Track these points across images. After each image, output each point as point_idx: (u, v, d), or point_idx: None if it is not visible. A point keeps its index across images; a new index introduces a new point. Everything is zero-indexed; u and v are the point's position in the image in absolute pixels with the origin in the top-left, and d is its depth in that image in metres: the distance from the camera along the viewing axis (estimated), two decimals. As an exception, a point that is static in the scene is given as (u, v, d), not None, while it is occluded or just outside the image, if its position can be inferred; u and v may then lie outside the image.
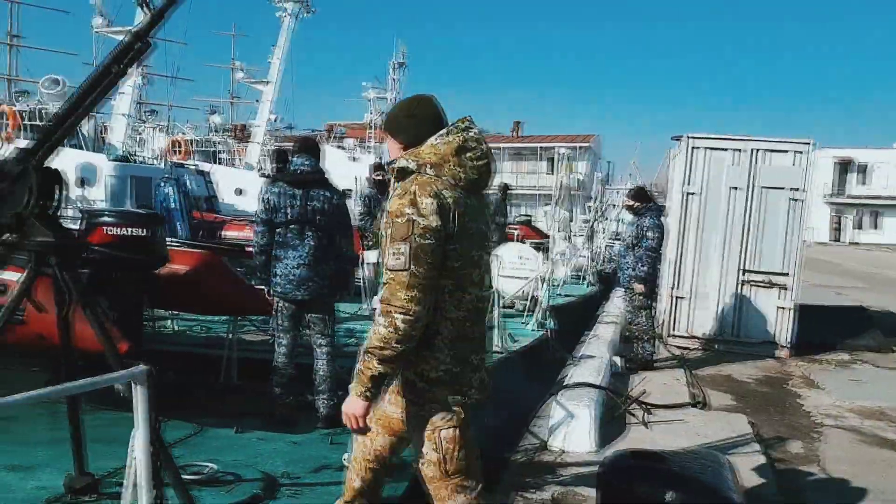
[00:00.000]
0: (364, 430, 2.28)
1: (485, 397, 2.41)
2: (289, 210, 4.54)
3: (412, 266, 2.12)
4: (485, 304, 2.41)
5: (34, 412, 4.34)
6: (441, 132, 2.29)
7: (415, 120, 2.34)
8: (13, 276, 3.66)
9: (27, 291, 2.48)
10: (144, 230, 4.52)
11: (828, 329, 9.10)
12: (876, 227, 49.19)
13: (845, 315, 10.19)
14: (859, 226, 49.67)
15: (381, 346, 2.14)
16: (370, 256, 3.26)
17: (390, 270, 2.15)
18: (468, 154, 2.27)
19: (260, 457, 4.10)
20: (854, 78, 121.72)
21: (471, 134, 2.31)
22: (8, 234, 2.40)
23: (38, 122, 19.65)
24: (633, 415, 5.47)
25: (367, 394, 2.19)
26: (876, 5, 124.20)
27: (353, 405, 2.20)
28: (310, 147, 4.71)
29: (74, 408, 2.73)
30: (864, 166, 49.12)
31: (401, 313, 2.12)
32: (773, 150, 8.12)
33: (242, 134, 36.68)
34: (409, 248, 2.13)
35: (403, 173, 2.30)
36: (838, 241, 47.63)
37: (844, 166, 48.03)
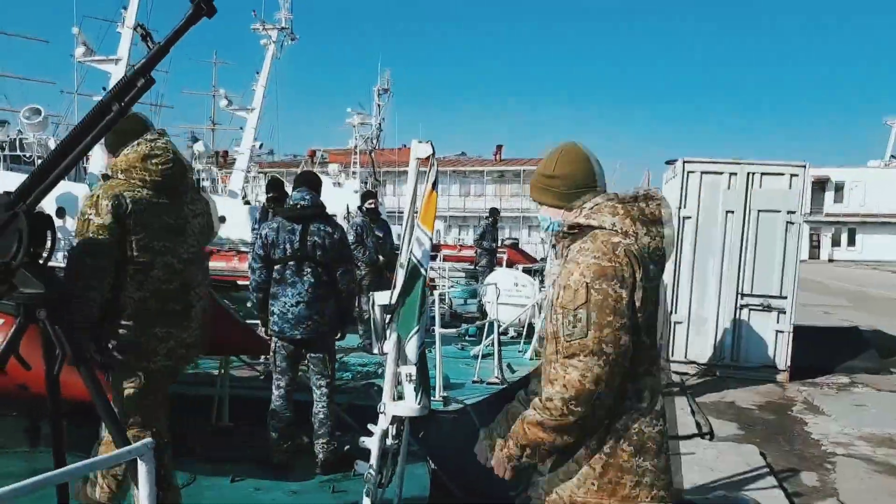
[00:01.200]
0: None
1: (178, 363, 2.93)
2: (287, 246, 4.36)
3: (85, 258, 2.60)
4: (171, 284, 2.82)
5: (11, 464, 4.09)
6: (133, 143, 2.74)
7: (117, 135, 2.71)
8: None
9: (14, 347, 2.27)
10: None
11: (824, 351, 9.02)
12: (852, 244, 49.89)
13: (840, 336, 10.13)
14: (836, 243, 50.34)
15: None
16: (379, 298, 3.08)
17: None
18: (154, 160, 2.74)
19: (259, 508, 3.88)
20: (830, 97, 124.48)
21: (158, 143, 2.78)
22: (-6, 285, 2.19)
23: (17, 153, 19.27)
24: (642, 449, 5.31)
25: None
26: (851, 25, 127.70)
27: None
28: (309, 181, 4.54)
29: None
30: (840, 185, 49.95)
31: (86, 290, 2.59)
32: (767, 174, 8.10)
33: (224, 161, 36.36)
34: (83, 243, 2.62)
35: (106, 179, 2.82)
36: (817, 258, 48.19)
37: (821, 185, 48.75)
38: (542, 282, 10.51)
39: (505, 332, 8.87)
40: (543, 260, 14.71)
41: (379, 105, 27.94)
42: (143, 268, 2.74)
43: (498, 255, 14.72)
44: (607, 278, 1.84)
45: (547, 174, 2.11)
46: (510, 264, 14.27)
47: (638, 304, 1.87)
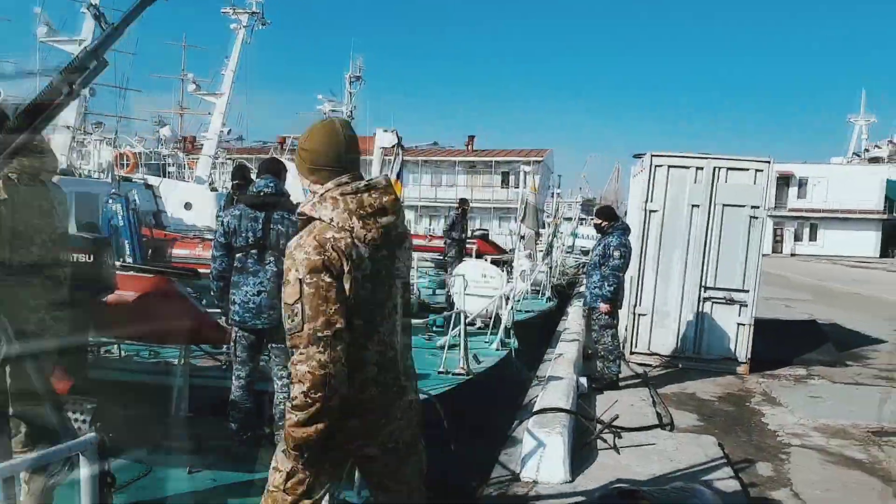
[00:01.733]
0: None
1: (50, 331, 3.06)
2: (249, 234, 4.29)
3: None
4: (46, 259, 3.09)
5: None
6: None
7: None
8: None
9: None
10: (88, 256, 4.17)
11: (782, 344, 9.22)
12: (813, 239, 51.11)
13: (798, 329, 10.36)
14: (798, 238, 51.49)
15: None
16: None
17: None
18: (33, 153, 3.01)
19: (215, 499, 3.83)
20: (796, 95, 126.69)
21: (35, 138, 2.91)
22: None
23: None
24: (604, 439, 5.37)
25: None
26: (817, 23, 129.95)
27: None
28: (273, 168, 4.46)
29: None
30: (804, 180, 51.05)
31: None
32: (733, 168, 8.21)
33: (192, 146, 35.67)
34: None
35: None
36: (780, 252, 49.24)
37: (785, 180, 49.74)
38: (510, 273, 10.55)
39: (472, 323, 8.87)
40: (513, 251, 14.76)
41: (350, 93, 27.60)
42: (25, 241, 3.04)
43: (467, 245, 14.72)
44: (317, 271, 2.06)
45: (302, 146, 2.29)
46: (479, 255, 14.30)
47: (347, 292, 2.10)
